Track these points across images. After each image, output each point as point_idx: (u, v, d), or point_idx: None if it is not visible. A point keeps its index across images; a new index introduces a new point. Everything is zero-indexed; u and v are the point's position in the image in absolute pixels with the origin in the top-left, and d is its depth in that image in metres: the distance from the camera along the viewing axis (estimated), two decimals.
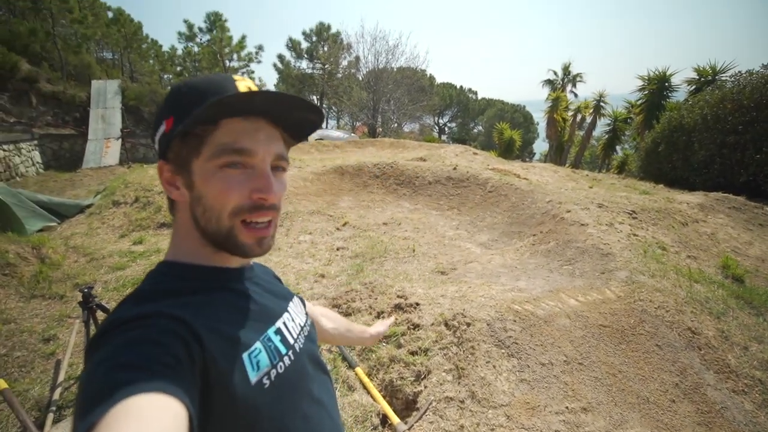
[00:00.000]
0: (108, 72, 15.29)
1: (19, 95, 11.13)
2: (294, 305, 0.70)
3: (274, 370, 0.54)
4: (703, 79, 11.01)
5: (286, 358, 0.57)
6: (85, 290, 2.20)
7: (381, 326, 1.12)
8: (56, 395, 2.29)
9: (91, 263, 4.07)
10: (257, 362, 0.52)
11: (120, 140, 11.06)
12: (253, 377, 0.50)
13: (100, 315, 2.33)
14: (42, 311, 3.23)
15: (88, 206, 5.86)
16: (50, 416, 2.13)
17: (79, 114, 11.94)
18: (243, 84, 0.55)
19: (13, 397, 1.90)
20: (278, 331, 0.59)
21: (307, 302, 0.88)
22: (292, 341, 0.61)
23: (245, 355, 0.51)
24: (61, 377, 2.42)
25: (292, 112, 0.56)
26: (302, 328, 0.67)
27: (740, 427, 2.06)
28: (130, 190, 5.95)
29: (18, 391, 2.35)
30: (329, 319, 0.99)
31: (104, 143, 10.94)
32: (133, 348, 0.40)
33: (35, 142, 10.18)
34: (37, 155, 10.19)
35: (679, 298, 2.85)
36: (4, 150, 8.89)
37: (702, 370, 2.34)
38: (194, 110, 0.47)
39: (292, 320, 0.65)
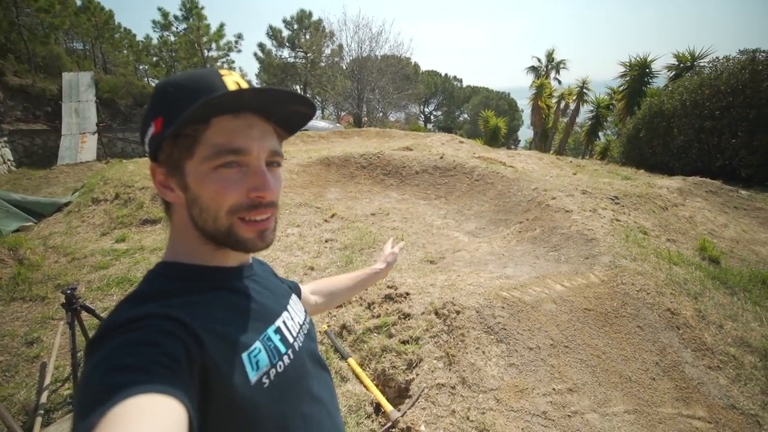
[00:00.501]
0: (79, 63, 14.65)
1: None
2: (293, 303, 0.70)
3: (273, 370, 0.54)
4: (682, 65, 11.25)
5: (285, 357, 0.57)
6: (68, 291, 2.15)
7: (390, 257, 1.13)
8: (43, 398, 2.25)
9: (73, 263, 3.96)
10: (257, 362, 0.52)
11: (96, 135, 10.66)
12: (253, 377, 0.51)
13: (86, 316, 2.28)
14: (23, 314, 3.15)
15: (66, 204, 5.66)
16: (38, 420, 2.09)
17: (51, 108, 11.46)
18: (231, 79, 0.54)
19: (0, 404, 1.85)
20: (278, 330, 0.59)
21: (301, 286, 0.88)
22: (291, 340, 0.61)
23: (245, 355, 0.51)
24: (48, 380, 2.38)
25: (284, 106, 0.55)
26: (301, 326, 0.67)
27: (715, 401, 2.17)
28: (110, 186, 5.77)
29: (3, 396, 2.30)
30: (319, 294, 0.99)
31: (79, 138, 10.53)
32: (131, 350, 0.40)
33: (5, 138, 9.75)
34: (7, 152, 9.76)
35: (659, 281, 2.95)
36: None
37: (680, 349, 2.44)
38: (183, 110, 0.46)
39: (292, 319, 0.65)
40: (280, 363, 0.56)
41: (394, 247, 1.18)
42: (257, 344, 0.54)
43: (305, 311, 0.74)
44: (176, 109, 0.49)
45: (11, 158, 9.83)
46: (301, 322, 0.68)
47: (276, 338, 0.58)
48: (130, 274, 3.65)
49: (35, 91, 11.32)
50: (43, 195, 6.68)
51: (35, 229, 5.04)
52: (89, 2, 16.34)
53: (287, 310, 0.66)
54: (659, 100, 8.45)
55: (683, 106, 7.62)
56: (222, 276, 0.58)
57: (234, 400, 0.47)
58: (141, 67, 20.87)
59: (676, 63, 11.53)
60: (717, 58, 8.33)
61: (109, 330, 0.44)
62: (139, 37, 20.67)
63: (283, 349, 0.58)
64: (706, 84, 7.42)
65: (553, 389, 2.11)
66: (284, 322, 0.62)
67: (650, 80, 13.44)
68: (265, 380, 0.52)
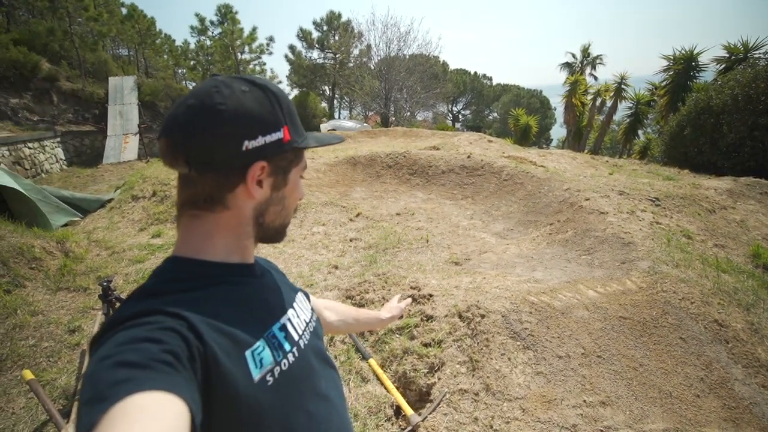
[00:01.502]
0: (124, 68, 15.55)
1: (41, 94, 11.45)
2: (299, 301, 0.70)
3: (277, 367, 0.54)
4: (733, 57, 10.41)
5: (290, 355, 0.57)
6: (104, 284, 2.26)
7: (395, 310, 1.13)
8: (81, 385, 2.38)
9: (113, 256, 4.19)
10: (260, 360, 0.52)
11: (138, 135, 11.28)
12: (256, 375, 0.51)
13: None
14: (67, 303, 3.35)
15: (109, 201, 6.02)
16: (76, 405, 2.21)
17: (98, 111, 12.22)
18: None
19: (39, 387, 1.97)
20: (283, 328, 0.60)
21: (311, 296, 0.88)
22: (296, 337, 0.61)
23: (248, 353, 0.51)
24: (86, 367, 2.51)
25: None
26: (307, 323, 0.67)
27: None
28: (148, 184, 6.07)
29: (46, 381, 2.45)
30: (333, 311, 0.99)
31: (123, 139, 11.18)
32: (134, 346, 0.40)
33: (58, 139, 10.48)
34: (60, 152, 10.50)
35: (705, 289, 2.73)
36: (30, 148, 9.19)
37: (729, 364, 2.24)
38: (298, 126, 0.61)
39: (297, 316, 0.65)
40: (285, 361, 0.56)
41: (401, 302, 1.17)
42: (261, 342, 0.54)
43: (312, 310, 0.73)
44: (295, 124, 0.60)
45: (63, 157, 10.57)
46: (307, 320, 0.68)
47: (281, 336, 0.58)
48: None
49: (85, 95, 12.11)
50: (89, 192, 7.14)
51: (81, 224, 5.39)
52: (134, 10, 17.32)
53: (293, 308, 0.66)
54: (707, 95, 7.86)
55: (734, 102, 7.05)
56: (231, 272, 0.58)
57: (237, 397, 0.47)
58: (179, 71, 21.89)
59: (727, 55, 10.68)
60: None
61: (113, 325, 0.44)
62: (178, 42, 21.69)
63: (287, 346, 0.58)
64: (761, 77, 6.83)
65: (584, 401, 1.99)
66: (290, 319, 0.63)
67: (697, 74, 12.53)
68: (269, 378, 0.52)
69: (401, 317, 1.17)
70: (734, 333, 2.42)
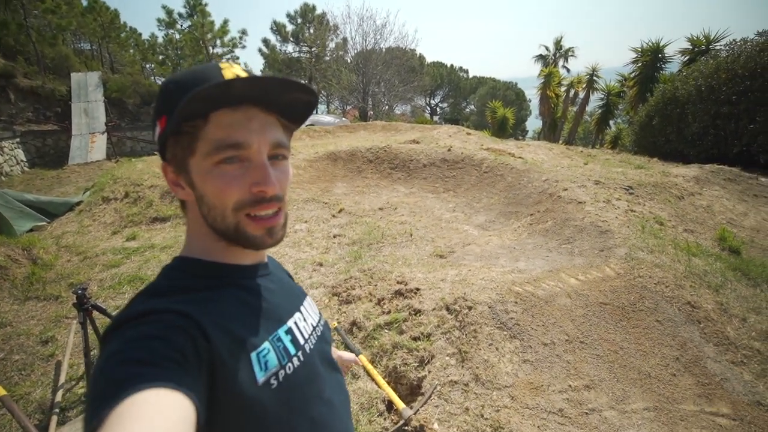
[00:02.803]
0: (87, 64, 14.75)
1: None
2: (307, 304, 0.69)
3: (282, 371, 0.53)
4: (696, 49, 10.88)
5: (295, 359, 0.56)
6: (79, 291, 2.15)
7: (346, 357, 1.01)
8: (58, 397, 2.27)
9: (85, 262, 4.01)
10: (265, 362, 0.52)
11: (105, 134, 10.75)
12: (261, 377, 0.50)
13: (97, 315, 2.29)
14: (38, 313, 3.19)
15: (78, 204, 5.73)
16: (54, 418, 2.11)
17: (61, 108, 11.56)
18: (230, 72, 0.52)
19: (13, 403, 1.87)
20: (289, 331, 0.59)
21: None
22: (302, 342, 0.60)
23: (253, 355, 0.51)
24: (62, 379, 2.40)
25: (281, 96, 0.53)
26: (314, 328, 0.66)
27: (740, 397, 2.10)
28: (120, 185, 5.82)
29: (19, 395, 2.33)
30: None
31: (89, 138, 10.64)
32: (141, 344, 0.41)
33: (17, 139, 9.87)
34: (20, 153, 9.89)
35: (678, 273, 2.87)
36: None
37: (702, 343, 2.37)
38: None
39: (304, 320, 0.65)
40: (290, 364, 0.55)
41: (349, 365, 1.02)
42: (266, 344, 0.53)
43: (320, 313, 0.73)
44: (175, 106, 0.47)
45: (24, 159, 9.96)
46: (314, 324, 0.67)
47: (287, 339, 0.57)
48: (141, 272, 3.67)
49: (45, 92, 11.43)
50: (55, 195, 6.77)
51: (48, 229, 5.11)
52: (95, 2, 16.37)
53: (300, 311, 0.65)
54: (673, 86, 8.19)
55: (698, 92, 7.38)
56: (236, 274, 0.58)
57: (240, 399, 0.47)
58: (147, 66, 20.94)
59: (690, 47, 11.14)
60: (734, 40, 8.03)
61: (121, 323, 0.45)
62: (145, 36, 20.72)
63: (293, 350, 0.57)
64: (722, 68, 7.16)
65: (570, 386, 2.06)
66: (296, 323, 0.62)
67: (663, 66, 13.04)
68: (273, 381, 0.51)
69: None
70: (705, 313, 2.55)
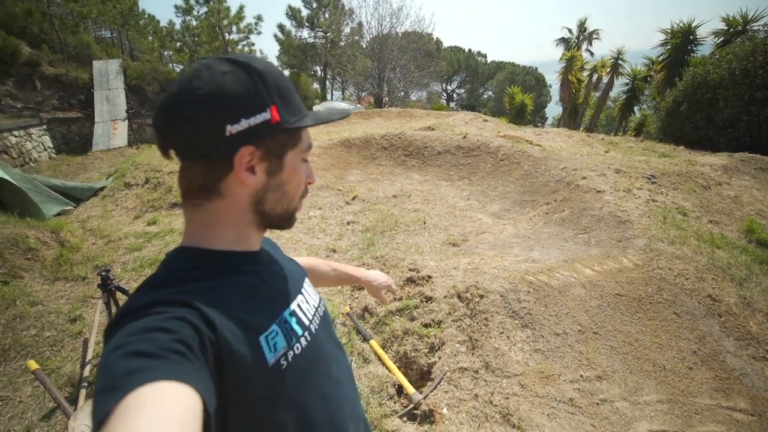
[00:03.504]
0: (108, 51, 15.01)
1: (23, 80, 11.07)
2: (307, 286, 0.71)
3: (291, 351, 0.55)
4: (732, 29, 10.25)
5: (302, 339, 0.58)
6: (103, 273, 2.25)
7: (383, 281, 1.11)
8: (86, 372, 2.40)
9: (109, 245, 4.16)
10: (274, 344, 0.53)
11: (126, 121, 11.02)
12: (271, 359, 0.51)
13: (120, 296, 2.39)
14: (66, 293, 3.35)
15: (101, 189, 5.93)
16: (83, 392, 2.24)
17: (84, 96, 11.87)
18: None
19: (45, 376, 1.99)
20: (293, 313, 0.60)
21: (297, 259, 0.87)
22: (307, 322, 0.62)
23: (262, 338, 0.52)
24: (89, 355, 2.53)
25: None
26: (317, 308, 0.68)
27: (759, 393, 2.04)
28: (140, 171, 5.98)
29: (51, 369, 2.47)
30: (312, 272, 0.99)
31: (111, 125, 10.92)
32: (146, 335, 0.41)
33: (44, 126, 10.21)
34: (47, 140, 10.25)
35: (700, 265, 2.78)
36: (16, 136, 8.96)
37: (722, 338, 2.30)
38: (293, 105, 0.56)
39: (306, 302, 0.66)
40: (297, 345, 0.56)
41: (386, 284, 1.12)
42: (274, 326, 0.55)
43: (319, 295, 0.74)
44: (288, 102, 0.56)
45: (51, 145, 10.33)
46: (316, 305, 0.69)
47: (292, 320, 0.59)
48: (161, 255, 3.80)
49: (69, 80, 11.73)
50: (80, 180, 7.02)
51: (74, 213, 5.32)
52: None
53: (302, 293, 0.67)
54: (704, 69, 7.77)
55: (731, 76, 6.98)
56: (239, 261, 0.58)
57: (252, 382, 0.48)
58: (165, 53, 21.17)
59: (725, 28, 10.51)
60: None
61: (125, 315, 0.45)
62: (163, 23, 20.91)
63: (299, 331, 0.59)
64: (759, 50, 6.74)
65: (581, 376, 2.05)
66: (299, 305, 0.63)
67: (695, 48, 12.35)
68: (283, 362, 0.53)
69: (387, 296, 1.13)
70: (727, 307, 2.48)
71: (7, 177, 4.68)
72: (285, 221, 0.62)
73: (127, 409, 0.33)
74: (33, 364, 2.05)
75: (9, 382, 2.35)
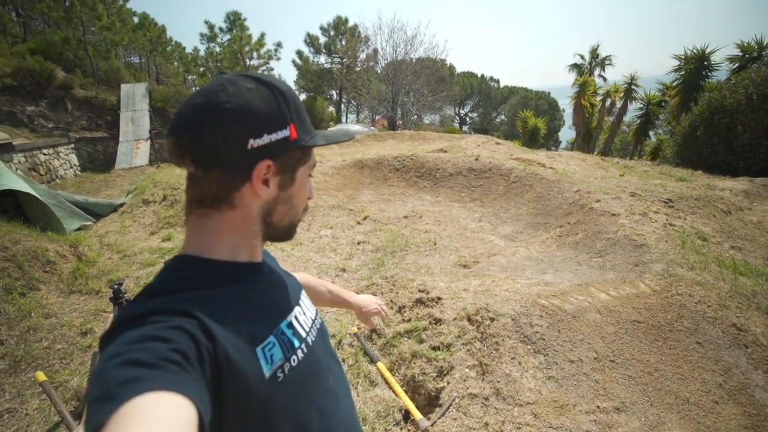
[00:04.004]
0: (136, 75, 15.86)
1: (56, 101, 11.73)
2: (305, 298, 0.71)
3: (287, 363, 0.54)
4: (747, 55, 10.22)
5: (299, 351, 0.58)
6: (116, 287, 2.29)
7: (373, 308, 1.09)
8: None
9: (124, 260, 4.25)
10: (271, 356, 0.53)
11: (149, 141, 11.47)
12: (267, 371, 0.51)
13: None
14: (80, 306, 3.40)
15: (121, 205, 6.12)
16: (87, 407, 2.23)
17: (111, 117, 12.47)
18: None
19: (52, 389, 2.00)
20: (290, 325, 0.60)
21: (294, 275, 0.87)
22: (304, 334, 0.62)
23: (259, 349, 0.52)
24: None
25: None
26: (313, 321, 0.68)
27: None
28: (159, 188, 6.16)
29: (58, 382, 2.48)
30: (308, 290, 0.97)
31: (134, 144, 11.38)
32: (142, 344, 0.40)
33: (72, 145, 10.71)
34: (74, 158, 10.73)
35: (723, 292, 2.66)
36: (45, 154, 9.40)
37: (749, 370, 2.17)
38: (307, 125, 0.60)
39: (304, 314, 0.66)
40: (294, 357, 0.56)
41: (375, 310, 1.11)
42: (271, 338, 0.54)
43: (316, 309, 0.74)
44: (303, 121, 0.59)
45: (77, 163, 10.79)
46: (312, 317, 0.69)
47: (289, 332, 0.58)
48: None
49: (98, 102, 12.38)
50: (102, 197, 7.27)
51: (93, 228, 5.48)
52: (145, 19, 17.68)
53: (299, 305, 0.67)
54: (720, 94, 7.71)
55: (749, 101, 6.90)
56: (239, 271, 0.58)
57: (248, 394, 0.48)
58: (189, 77, 22.23)
59: (740, 54, 10.47)
60: None
61: (122, 323, 0.44)
62: (188, 49, 22.05)
63: (296, 343, 0.58)
64: None
65: (598, 407, 1.95)
66: (296, 317, 0.63)
67: (709, 74, 12.29)
68: (280, 374, 0.53)
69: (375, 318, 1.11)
70: (754, 337, 2.34)
71: (33, 192, 4.89)
72: (287, 233, 0.64)
73: (122, 419, 0.33)
74: (41, 376, 2.07)
75: (17, 394, 2.37)
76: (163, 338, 0.41)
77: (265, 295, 0.60)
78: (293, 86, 23.81)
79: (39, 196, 4.93)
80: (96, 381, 0.38)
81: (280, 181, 0.58)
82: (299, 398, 0.55)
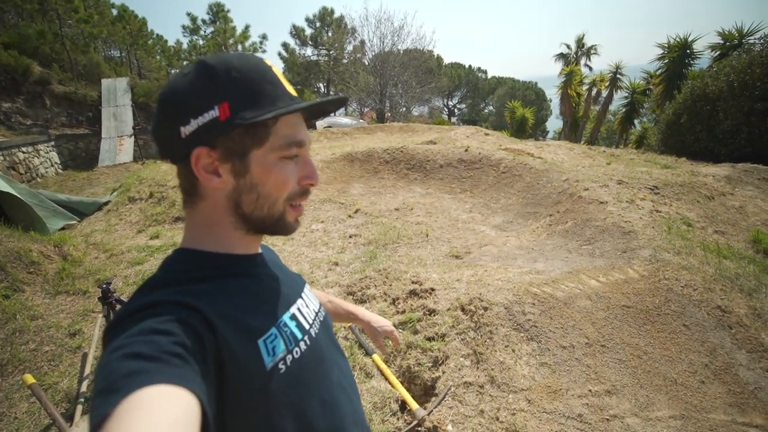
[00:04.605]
0: (116, 70, 15.40)
1: (33, 98, 11.33)
2: (307, 290, 0.70)
3: (290, 355, 0.54)
4: (728, 43, 10.40)
5: (302, 343, 0.57)
6: (104, 286, 2.24)
7: (380, 328, 1.03)
8: (84, 387, 2.36)
9: (111, 259, 4.16)
10: (273, 348, 0.52)
11: (133, 137, 11.19)
12: (269, 362, 0.50)
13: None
14: (67, 307, 3.33)
15: (106, 203, 5.97)
16: (79, 408, 2.20)
17: (92, 113, 12.11)
18: (276, 69, 0.57)
19: (41, 391, 1.96)
20: (293, 317, 0.59)
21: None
22: (307, 326, 0.61)
23: (260, 341, 0.51)
24: (88, 370, 2.50)
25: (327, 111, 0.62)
26: (317, 313, 0.67)
27: None
28: (145, 186, 6.03)
29: (48, 385, 2.43)
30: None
31: (118, 141, 11.09)
32: (144, 337, 0.40)
33: (52, 143, 10.38)
34: (55, 156, 10.41)
35: (708, 276, 2.73)
36: (24, 152, 9.10)
37: (733, 350, 2.24)
38: (255, 99, 0.51)
39: (307, 306, 0.65)
40: (297, 349, 0.55)
41: (388, 329, 1.05)
42: (273, 330, 0.54)
43: (318, 300, 0.73)
44: (251, 96, 0.51)
45: (58, 161, 10.48)
46: (316, 310, 0.68)
47: (292, 324, 0.58)
48: None
49: (78, 97, 12.00)
50: (85, 195, 7.08)
51: (78, 227, 5.35)
52: (124, 11, 17.11)
53: (302, 297, 0.66)
54: (702, 82, 7.84)
55: (730, 88, 7.03)
56: (238, 263, 0.58)
57: (250, 386, 0.48)
58: (173, 71, 21.69)
59: (722, 42, 10.65)
60: None
61: (125, 316, 0.44)
62: (170, 43, 21.47)
63: (299, 335, 0.57)
64: (756, 62, 6.81)
65: (590, 391, 1.99)
66: (299, 308, 0.62)
67: (692, 62, 12.50)
68: (282, 366, 0.52)
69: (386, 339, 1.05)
70: (737, 318, 2.42)
71: (13, 191, 4.73)
72: (274, 226, 0.57)
73: (125, 411, 0.33)
74: (30, 379, 2.02)
75: (5, 398, 2.32)
76: (165, 331, 0.41)
77: (266, 287, 0.59)
78: None
79: (19, 195, 4.78)
80: (99, 374, 0.38)
81: (232, 168, 0.52)
82: (303, 391, 0.54)
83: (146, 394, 0.34)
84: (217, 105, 0.50)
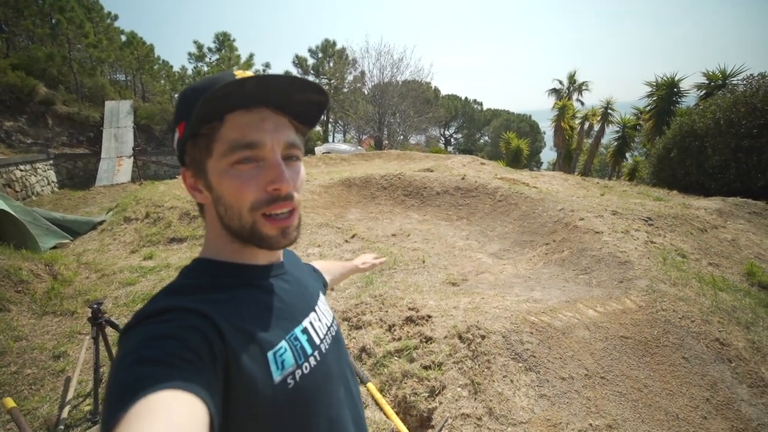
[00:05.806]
0: (121, 93, 15.73)
1: (36, 117, 11.48)
2: (321, 304, 0.69)
3: (299, 370, 0.53)
4: (713, 83, 10.89)
5: (312, 359, 0.56)
6: (95, 306, 2.19)
7: (369, 261, 1.20)
8: (65, 413, 2.25)
9: (102, 279, 4.08)
10: (282, 361, 0.51)
11: (132, 158, 11.28)
12: (277, 376, 0.50)
13: (110, 331, 2.31)
14: (53, 328, 3.23)
15: (100, 223, 5.93)
16: None
17: (93, 134, 12.26)
18: (243, 75, 0.52)
19: (21, 416, 1.87)
20: (305, 331, 0.59)
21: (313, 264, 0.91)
22: (318, 342, 0.60)
23: (270, 354, 0.50)
24: (70, 395, 2.39)
25: (293, 96, 0.53)
26: (329, 328, 0.66)
27: None
28: (141, 206, 6.01)
29: (27, 410, 2.32)
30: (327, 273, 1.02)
31: (117, 161, 11.17)
32: (156, 342, 0.41)
33: (51, 161, 10.43)
34: (52, 174, 10.43)
35: (704, 308, 2.73)
36: (21, 170, 9.12)
37: (734, 384, 2.21)
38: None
39: (319, 320, 0.64)
40: (306, 364, 0.55)
41: (370, 263, 1.22)
42: (283, 343, 0.53)
43: (332, 314, 0.72)
44: (192, 111, 0.50)
45: (55, 180, 10.49)
46: (328, 324, 0.67)
47: (303, 338, 0.57)
48: (156, 290, 3.70)
49: (80, 118, 12.18)
50: (80, 214, 7.03)
51: (71, 246, 5.27)
52: (133, 37, 17.68)
53: (315, 311, 0.65)
54: (690, 119, 8.15)
55: (717, 125, 7.31)
56: (251, 274, 0.58)
57: (256, 398, 0.47)
58: (176, 95, 22.17)
59: (706, 82, 11.18)
60: (751, 75, 8.05)
61: (139, 320, 0.45)
62: (176, 68, 22.05)
63: (309, 350, 0.57)
64: (740, 102, 7.12)
65: (590, 425, 1.94)
66: (311, 323, 0.61)
67: (679, 99, 13.06)
68: (290, 381, 0.51)
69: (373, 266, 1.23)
70: (736, 352, 2.40)
71: (7, 208, 4.70)
72: (251, 239, 0.54)
73: (135, 416, 0.34)
74: (10, 402, 1.93)
75: None
76: (176, 337, 0.42)
77: (279, 298, 0.59)
78: None
79: (14, 213, 4.74)
80: (113, 376, 0.39)
81: (204, 183, 0.54)
82: (310, 407, 0.53)
83: (157, 399, 0.35)
84: (177, 126, 0.54)
